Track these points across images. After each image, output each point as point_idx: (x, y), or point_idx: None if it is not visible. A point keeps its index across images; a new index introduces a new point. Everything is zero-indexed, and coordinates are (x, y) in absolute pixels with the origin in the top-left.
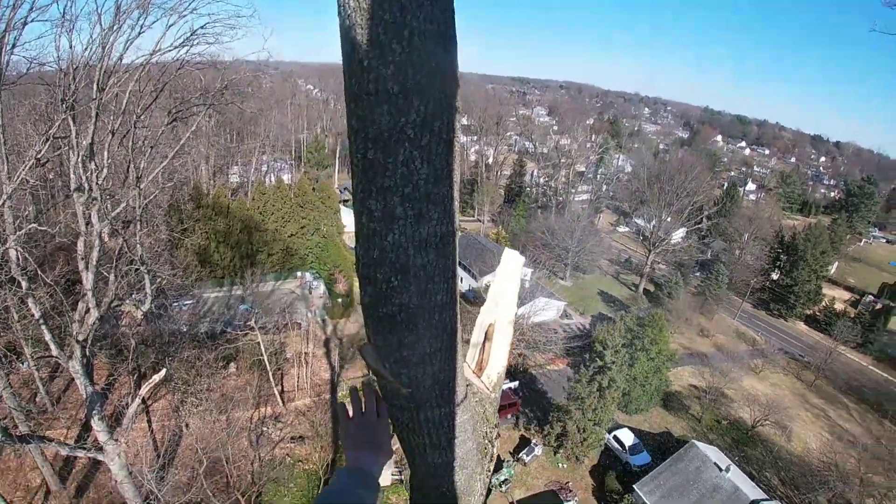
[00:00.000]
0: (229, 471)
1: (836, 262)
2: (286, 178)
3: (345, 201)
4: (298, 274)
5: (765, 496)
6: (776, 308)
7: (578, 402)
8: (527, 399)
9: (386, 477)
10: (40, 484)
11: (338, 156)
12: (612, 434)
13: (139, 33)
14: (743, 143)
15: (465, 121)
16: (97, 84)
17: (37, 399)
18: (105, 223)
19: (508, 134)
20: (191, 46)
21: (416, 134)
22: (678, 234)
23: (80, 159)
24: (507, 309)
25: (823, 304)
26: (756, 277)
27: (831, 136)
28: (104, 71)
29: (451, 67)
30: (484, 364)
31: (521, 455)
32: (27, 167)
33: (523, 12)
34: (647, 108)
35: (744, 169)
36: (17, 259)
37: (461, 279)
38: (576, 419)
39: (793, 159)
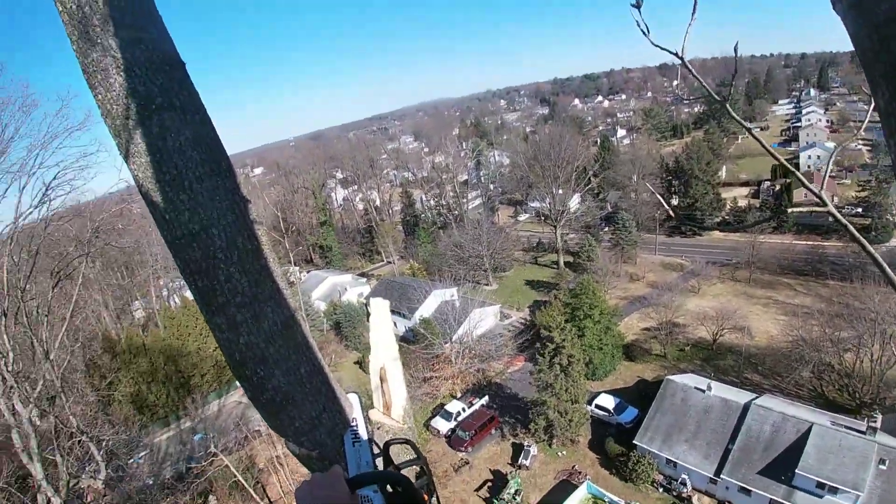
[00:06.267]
0: None
1: (724, 167)
2: (189, 294)
3: None
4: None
5: (754, 395)
6: (688, 229)
7: (549, 390)
8: (503, 407)
9: None
10: None
11: None
12: (594, 404)
13: None
14: (599, 98)
15: (339, 175)
16: None
17: None
18: (30, 407)
19: (385, 171)
20: (50, 202)
21: (226, 255)
22: (574, 202)
23: None
24: (388, 349)
25: (728, 206)
26: (658, 210)
27: (674, 59)
28: None
29: (234, 192)
30: (389, 402)
31: (520, 461)
32: None
33: (359, 59)
34: (502, 101)
35: (609, 120)
36: None
37: (395, 323)
38: (553, 406)
39: (648, 94)
